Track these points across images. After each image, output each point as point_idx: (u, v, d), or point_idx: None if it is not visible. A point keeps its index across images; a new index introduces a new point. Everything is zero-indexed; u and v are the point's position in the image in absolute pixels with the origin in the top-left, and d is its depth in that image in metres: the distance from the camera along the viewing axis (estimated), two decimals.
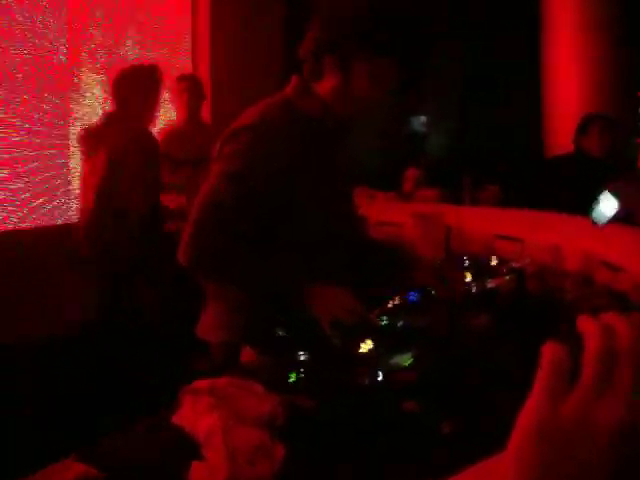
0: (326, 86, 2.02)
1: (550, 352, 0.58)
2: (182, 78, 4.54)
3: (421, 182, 5.26)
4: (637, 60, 6.37)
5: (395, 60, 1.99)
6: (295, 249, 1.97)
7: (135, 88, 3.76)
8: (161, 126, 4.91)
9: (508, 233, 3.35)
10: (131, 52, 5.25)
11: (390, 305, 1.92)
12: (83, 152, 3.86)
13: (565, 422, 0.56)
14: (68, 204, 4.82)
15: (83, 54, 4.94)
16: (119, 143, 3.59)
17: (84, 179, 3.82)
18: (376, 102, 2.05)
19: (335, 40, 1.96)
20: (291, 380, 1.47)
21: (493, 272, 2.52)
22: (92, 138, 3.76)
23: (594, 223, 2.71)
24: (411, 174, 5.35)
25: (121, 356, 2.48)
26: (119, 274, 3.53)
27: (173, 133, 4.41)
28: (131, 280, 3.52)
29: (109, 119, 3.79)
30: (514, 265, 2.66)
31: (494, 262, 2.71)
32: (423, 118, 8.44)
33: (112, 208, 3.60)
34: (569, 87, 6.15)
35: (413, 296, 2.01)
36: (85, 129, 3.96)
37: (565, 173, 4.40)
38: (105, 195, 3.63)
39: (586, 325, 0.59)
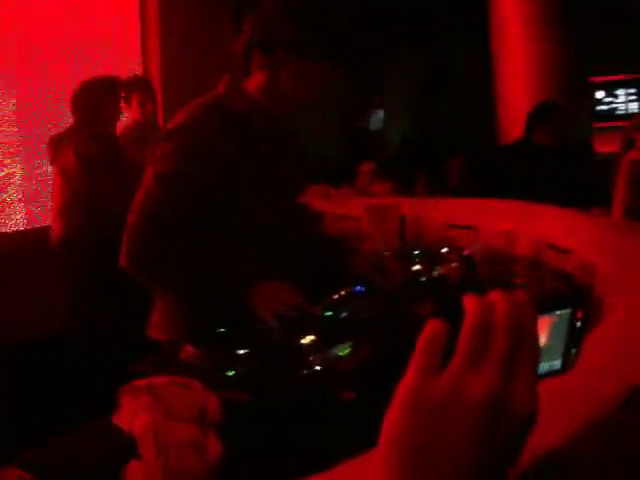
0: (254, 83, 2.03)
1: (428, 328, 0.59)
2: (138, 87, 4.46)
3: (375, 176, 5.28)
4: (587, 45, 6.47)
5: (324, 64, 2.01)
6: (235, 246, 1.97)
7: (94, 100, 3.79)
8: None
9: (462, 222, 3.37)
10: (78, 57, 5.21)
11: (335, 297, 1.92)
12: (50, 158, 3.86)
13: (437, 394, 0.57)
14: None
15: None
16: (87, 145, 3.64)
17: (55, 182, 3.81)
18: (313, 102, 2.06)
19: (263, 40, 1.97)
20: (230, 376, 1.47)
21: (443, 260, 2.54)
22: (59, 144, 3.76)
23: None
24: (365, 168, 5.37)
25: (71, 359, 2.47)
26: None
27: (128, 137, 4.34)
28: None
29: (74, 128, 3.79)
30: (463, 252, 2.68)
31: (444, 250, 2.73)
32: (380, 113, 8.47)
33: (90, 208, 3.59)
34: (520, 74, 6.20)
35: (358, 288, 2.02)
36: (51, 136, 3.93)
37: (516, 161, 4.44)
38: (77, 195, 3.62)
39: (468, 302, 0.60)
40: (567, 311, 0.64)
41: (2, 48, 4.70)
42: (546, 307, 0.63)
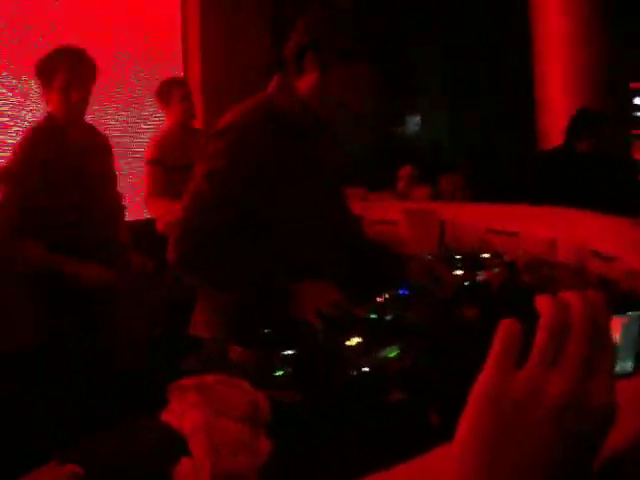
0: (304, 84, 2.03)
1: (503, 328, 0.59)
2: (173, 83, 4.49)
3: (415, 180, 5.27)
4: (627, 51, 6.40)
5: (367, 70, 2.02)
6: (282, 246, 1.98)
7: None
8: (153, 133, 4.93)
9: (502, 227, 3.36)
10: (121, 57, 5.26)
11: (380, 300, 1.92)
12: None
13: (514, 393, 0.57)
14: None
15: None
16: None
17: None
18: (354, 106, 2.07)
19: (315, 42, 1.98)
20: (277, 376, 1.47)
21: (485, 266, 2.53)
22: None
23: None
24: (405, 173, 5.35)
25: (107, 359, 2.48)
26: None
27: (166, 139, 4.37)
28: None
29: None
30: (506, 258, 2.67)
31: (486, 256, 2.72)
32: (418, 118, 8.45)
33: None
34: (559, 81, 6.16)
35: (403, 291, 2.02)
36: None
37: (557, 167, 4.41)
38: None
39: (542, 302, 0.60)
40: (637, 313, 0.63)
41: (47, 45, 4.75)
42: (618, 308, 0.62)
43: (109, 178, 3.49)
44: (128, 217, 5.25)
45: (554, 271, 2.67)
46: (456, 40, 7.62)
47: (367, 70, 2.02)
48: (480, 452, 0.57)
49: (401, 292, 2.02)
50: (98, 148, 3.37)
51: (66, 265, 2.91)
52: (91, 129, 3.44)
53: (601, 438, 0.58)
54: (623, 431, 0.65)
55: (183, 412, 1.28)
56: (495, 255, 2.72)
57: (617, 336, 0.62)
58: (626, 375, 0.64)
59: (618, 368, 0.62)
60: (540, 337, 0.58)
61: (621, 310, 0.63)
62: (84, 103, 3.18)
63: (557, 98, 6.12)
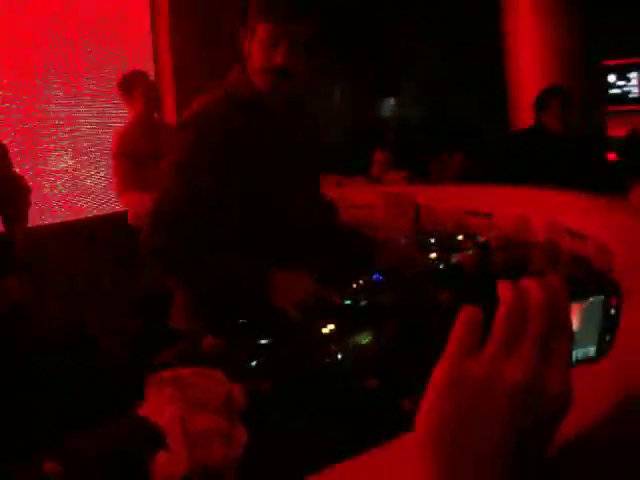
0: (250, 66, 2.01)
1: (463, 314, 0.61)
2: (135, 76, 4.48)
3: (389, 165, 5.27)
4: (600, 27, 6.43)
5: (307, 30, 1.97)
6: (254, 234, 1.99)
7: None
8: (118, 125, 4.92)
9: (477, 209, 3.38)
10: (90, 50, 5.23)
11: (354, 286, 1.94)
12: None
13: (473, 377, 0.59)
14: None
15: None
16: None
17: None
18: (297, 71, 2.00)
19: (243, 10, 1.97)
20: (252, 365, 1.48)
21: (459, 247, 2.55)
22: None
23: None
24: (379, 157, 5.36)
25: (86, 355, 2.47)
26: None
27: (130, 132, 4.37)
28: None
29: None
30: (479, 239, 2.69)
31: (460, 238, 2.74)
32: (392, 101, 8.45)
33: None
34: (531, 58, 6.18)
35: (377, 276, 2.03)
36: None
37: (528, 147, 4.46)
38: None
39: (503, 289, 0.61)
40: (600, 298, 0.64)
41: (15, 46, 4.73)
42: (578, 293, 0.63)
43: None
44: (104, 210, 5.27)
45: (527, 251, 2.70)
46: (433, 23, 7.62)
47: (308, 32, 1.97)
48: (439, 434, 0.59)
49: (375, 277, 2.03)
50: None
51: None
52: None
53: (555, 424, 0.60)
54: (580, 417, 0.67)
55: (160, 406, 1.29)
56: (468, 237, 2.74)
57: (579, 321, 0.63)
58: (588, 361, 0.65)
59: (580, 354, 0.64)
60: (498, 323, 0.60)
61: (587, 294, 0.64)
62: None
63: (530, 77, 6.14)
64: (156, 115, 4.63)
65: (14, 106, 4.73)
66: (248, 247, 1.97)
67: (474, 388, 0.58)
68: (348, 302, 1.83)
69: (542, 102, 4.58)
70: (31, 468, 1.21)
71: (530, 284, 0.61)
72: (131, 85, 4.38)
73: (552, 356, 0.59)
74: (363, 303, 1.83)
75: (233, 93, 2.04)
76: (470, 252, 2.42)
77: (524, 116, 5.63)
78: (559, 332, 0.60)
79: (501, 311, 0.60)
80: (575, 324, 0.63)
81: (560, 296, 0.61)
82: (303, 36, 1.96)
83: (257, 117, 2.03)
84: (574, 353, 0.63)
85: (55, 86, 5.02)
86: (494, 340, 0.60)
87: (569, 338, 0.61)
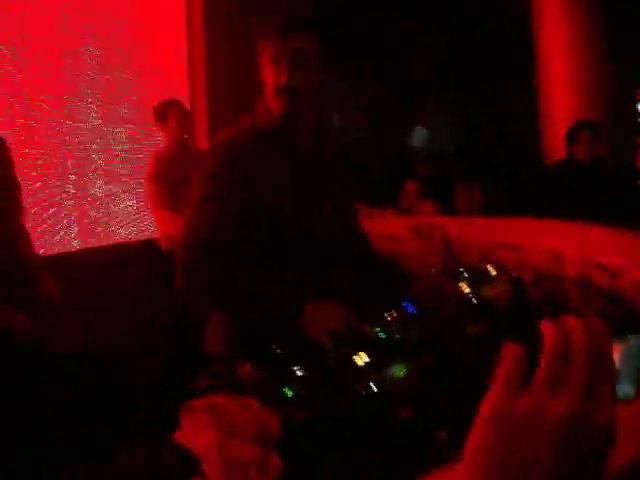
0: (264, 89, 2.04)
1: (509, 350, 0.62)
2: (168, 103, 4.63)
3: (419, 196, 5.28)
4: (633, 57, 6.42)
5: (295, 43, 1.98)
6: (287, 263, 2.00)
7: None
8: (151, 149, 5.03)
9: (508, 242, 3.37)
10: (124, 75, 5.31)
11: (387, 318, 1.94)
12: None
13: (518, 413, 0.59)
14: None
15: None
16: None
17: None
18: (307, 94, 2.03)
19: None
20: (287, 395, 1.49)
21: (492, 281, 2.54)
22: None
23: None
24: (410, 188, 5.37)
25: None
26: None
27: (164, 156, 4.49)
28: None
29: None
30: (512, 273, 2.67)
31: (492, 271, 2.73)
32: (422, 131, 8.47)
33: None
34: (564, 91, 6.18)
35: (410, 308, 2.03)
36: None
37: (559, 181, 4.48)
38: None
39: (546, 328, 0.62)
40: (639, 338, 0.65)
41: (55, 73, 4.81)
42: (621, 330, 0.64)
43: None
44: (137, 236, 5.31)
45: (560, 285, 2.68)
46: (466, 54, 7.64)
47: (310, 47, 1.99)
48: (485, 470, 0.59)
49: (408, 309, 2.03)
50: None
51: None
52: None
53: (600, 460, 0.60)
54: (623, 454, 0.67)
55: (195, 433, 1.30)
56: (501, 270, 2.73)
57: (618, 360, 0.64)
58: (627, 399, 0.65)
59: (619, 391, 0.64)
60: (543, 362, 0.61)
61: (623, 333, 0.65)
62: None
63: (561, 109, 6.14)
64: (189, 141, 4.74)
65: (50, 130, 4.80)
66: (282, 277, 1.98)
67: (520, 421, 0.59)
68: (382, 334, 1.83)
69: (571, 135, 4.62)
70: None
71: (573, 323, 0.62)
72: (165, 112, 4.54)
73: (596, 393, 0.60)
74: (397, 336, 1.82)
75: (255, 123, 2.07)
76: (503, 286, 2.40)
77: (557, 149, 5.62)
78: (602, 370, 0.61)
79: (546, 349, 0.61)
80: (616, 362, 0.63)
81: (603, 335, 0.62)
82: (305, 51, 1.98)
83: (279, 143, 2.05)
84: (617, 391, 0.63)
85: (89, 111, 5.09)
86: (539, 377, 0.61)
87: (612, 376, 0.62)
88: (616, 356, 0.64)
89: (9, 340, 2.48)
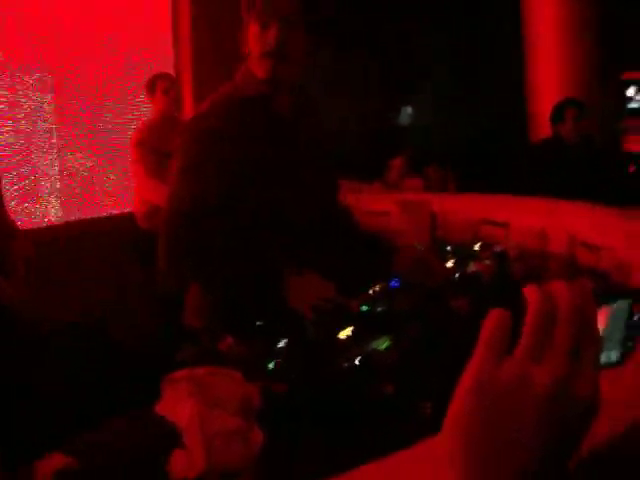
0: (249, 56, 2.03)
1: (492, 317, 0.61)
2: (157, 76, 4.66)
3: (406, 172, 5.27)
4: (620, 41, 6.40)
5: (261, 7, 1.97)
6: (266, 237, 1.99)
7: None
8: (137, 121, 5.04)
9: (493, 219, 3.37)
10: (108, 47, 5.26)
11: (371, 292, 1.94)
12: None
13: (501, 381, 0.59)
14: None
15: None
16: None
17: None
18: (293, 59, 2.01)
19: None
20: (269, 367, 1.48)
21: (476, 257, 2.54)
22: None
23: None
24: (397, 164, 5.36)
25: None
26: None
27: (150, 128, 4.51)
28: None
29: None
30: (497, 249, 2.68)
31: (477, 247, 2.73)
32: (409, 109, 8.44)
33: None
34: (551, 71, 6.16)
35: (394, 283, 2.03)
36: None
37: (545, 159, 4.48)
38: None
39: (529, 293, 0.61)
40: (626, 302, 0.64)
41: (39, 46, 4.77)
42: (606, 298, 0.64)
43: None
44: (120, 210, 5.28)
45: (544, 262, 2.69)
46: (453, 32, 7.60)
47: (296, 10, 1.98)
48: (467, 440, 0.59)
49: (392, 284, 2.03)
50: None
51: None
52: None
53: (584, 428, 0.59)
54: (607, 421, 0.66)
55: (176, 404, 1.30)
56: (486, 246, 2.73)
57: (603, 326, 0.63)
58: (612, 365, 0.65)
59: (604, 358, 0.64)
60: (527, 327, 0.60)
61: (608, 300, 0.64)
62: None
63: (548, 90, 6.12)
64: (177, 117, 4.74)
65: (35, 104, 4.77)
66: (262, 250, 1.98)
67: (503, 391, 0.59)
68: (365, 308, 1.83)
69: (557, 114, 4.62)
70: (46, 462, 1.22)
71: (558, 287, 0.61)
72: (154, 84, 4.58)
73: (580, 360, 0.59)
74: (380, 309, 1.82)
75: (235, 92, 2.05)
76: (487, 261, 2.41)
77: (542, 129, 5.62)
78: (587, 336, 0.60)
79: (530, 314, 0.60)
80: (600, 328, 0.63)
81: (588, 299, 0.61)
82: (292, 16, 1.97)
83: (260, 111, 2.03)
84: (602, 357, 0.63)
85: (77, 85, 5.05)
86: (523, 343, 0.60)
87: (597, 342, 0.61)
88: (601, 321, 0.63)
89: None
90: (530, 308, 0.60)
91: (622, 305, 0.64)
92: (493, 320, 0.61)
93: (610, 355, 0.64)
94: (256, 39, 1.97)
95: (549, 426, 0.57)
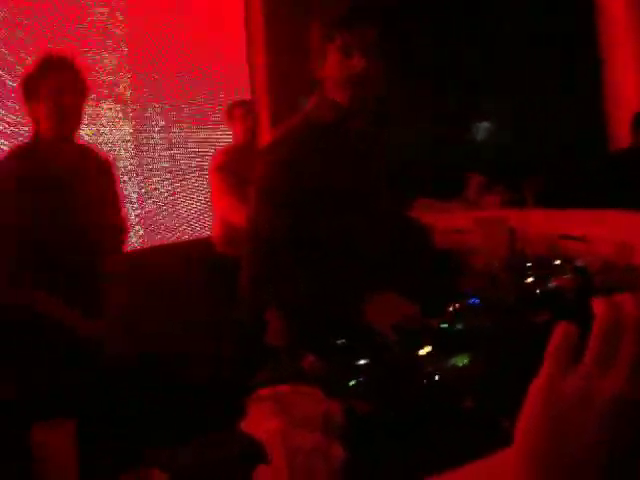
0: (328, 83, 2.05)
1: (559, 330, 0.62)
2: (234, 103, 4.78)
3: (484, 188, 5.23)
4: None
5: (344, 36, 1.99)
6: (345, 260, 2.02)
7: None
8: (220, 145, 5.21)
9: (573, 233, 3.32)
10: (186, 74, 5.39)
11: (450, 310, 1.94)
12: None
13: (568, 392, 0.59)
14: None
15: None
16: None
17: None
18: (375, 85, 2.04)
19: (327, 29, 2.03)
20: (351, 385, 1.50)
21: (556, 272, 2.51)
22: None
23: None
24: (474, 180, 5.32)
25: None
26: None
27: (229, 153, 4.62)
28: None
29: None
30: (577, 263, 2.64)
31: (557, 262, 2.70)
32: (485, 124, 8.36)
33: None
34: (631, 75, 6.01)
35: (473, 300, 2.03)
36: None
37: (623, 169, 4.37)
38: None
39: (597, 305, 0.62)
40: None
41: (120, 76, 4.92)
42: None
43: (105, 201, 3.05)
44: (198, 234, 5.38)
45: (627, 275, 2.64)
46: (522, 39, 7.50)
47: (376, 34, 2.00)
48: (535, 447, 0.60)
49: (472, 301, 2.03)
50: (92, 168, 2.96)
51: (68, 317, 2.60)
52: (84, 148, 3.08)
53: None
54: None
55: (261, 422, 1.33)
56: (566, 261, 2.70)
57: None
58: None
59: None
60: (592, 338, 0.60)
61: None
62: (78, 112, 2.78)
63: (628, 98, 5.98)
64: (254, 144, 4.83)
65: (116, 132, 4.92)
66: (343, 273, 2.00)
67: (570, 401, 0.59)
68: (445, 326, 1.83)
69: (637, 122, 4.49)
70: (138, 474, 1.27)
71: (624, 298, 0.62)
72: (231, 111, 4.70)
73: None
74: (459, 327, 1.83)
75: (310, 118, 2.08)
76: (569, 276, 2.38)
77: (624, 140, 5.50)
78: None
79: (596, 325, 0.61)
80: None
81: None
82: (374, 39, 1.99)
83: (334, 137, 2.06)
84: None
85: (154, 111, 5.19)
86: (590, 354, 0.60)
87: None
88: None
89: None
90: (596, 319, 0.61)
91: None
92: (559, 333, 0.62)
93: None
94: (338, 65, 2.00)
95: (613, 434, 0.58)
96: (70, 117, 2.74)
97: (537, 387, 0.61)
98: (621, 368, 0.59)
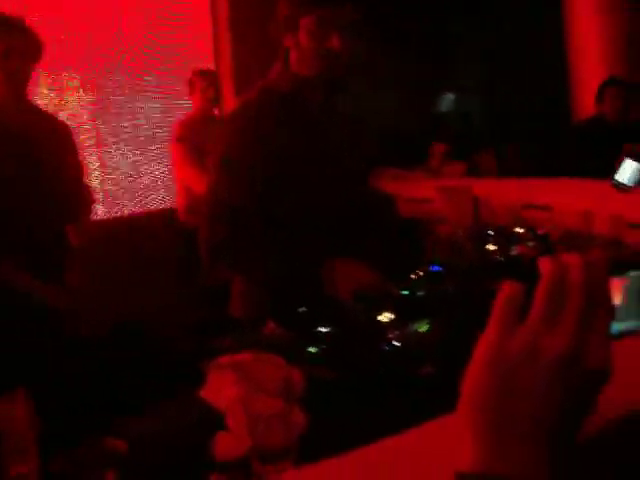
0: (293, 57, 2.05)
1: (505, 289, 0.61)
2: (196, 74, 4.75)
3: (447, 157, 5.25)
4: None
5: (322, 11, 1.99)
6: (307, 228, 2.01)
7: None
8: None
9: (536, 202, 3.35)
10: (148, 45, 5.32)
11: (412, 277, 1.94)
12: None
13: (514, 350, 0.59)
14: None
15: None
16: None
17: None
18: (346, 61, 2.04)
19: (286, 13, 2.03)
20: (311, 353, 1.50)
21: (518, 240, 2.53)
22: None
23: (618, 188, 2.72)
24: (438, 149, 5.34)
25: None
26: None
27: (189, 124, 4.62)
28: None
29: None
30: (540, 232, 2.66)
31: (519, 230, 2.71)
32: (450, 95, 8.37)
33: None
34: (592, 50, 6.05)
35: (435, 268, 2.03)
36: None
37: (587, 139, 4.42)
38: None
39: (543, 264, 0.62)
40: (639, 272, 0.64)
41: (81, 46, 4.84)
42: (621, 269, 0.64)
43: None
44: (158, 205, 5.35)
45: (589, 243, 2.66)
46: (493, 14, 7.51)
47: (353, 17, 2.01)
48: (481, 406, 0.60)
49: (433, 269, 2.03)
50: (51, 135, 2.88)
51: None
52: (43, 113, 3.03)
53: (594, 394, 0.60)
54: (621, 389, 0.66)
55: (221, 389, 1.32)
56: (529, 229, 2.72)
57: (622, 296, 0.64)
58: (629, 334, 0.65)
59: (624, 328, 0.64)
60: (539, 296, 0.60)
61: (628, 269, 0.64)
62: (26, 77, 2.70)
63: (592, 70, 6.01)
64: (216, 111, 4.80)
65: (78, 103, 4.86)
66: (301, 239, 2.00)
67: (515, 361, 0.59)
68: (406, 292, 1.83)
69: (600, 93, 4.55)
70: (95, 443, 1.25)
71: (570, 258, 0.62)
72: (193, 82, 4.70)
73: (592, 329, 0.60)
74: (420, 293, 1.83)
75: (270, 88, 2.07)
76: (531, 244, 2.39)
77: (585, 107, 5.53)
78: (599, 306, 0.60)
79: (541, 285, 0.61)
80: (618, 299, 0.63)
81: (600, 270, 0.61)
82: (349, 22, 2.00)
83: (294, 108, 2.05)
84: (618, 327, 0.63)
85: (119, 82, 5.13)
86: (534, 314, 0.60)
87: (609, 312, 0.61)
88: (620, 292, 0.64)
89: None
90: (542, 277, 0.60)
91: (637, 275, 0.65)
92: (505, 292, 0.61)
93: (631, 325, 0.65)
94: (313, 41, 1.99)
95: (559, 391, 0.58)
96: (19, 81, 2.66)
97: (482, 346, 0.61)
98: (567, 325, 0.59)
